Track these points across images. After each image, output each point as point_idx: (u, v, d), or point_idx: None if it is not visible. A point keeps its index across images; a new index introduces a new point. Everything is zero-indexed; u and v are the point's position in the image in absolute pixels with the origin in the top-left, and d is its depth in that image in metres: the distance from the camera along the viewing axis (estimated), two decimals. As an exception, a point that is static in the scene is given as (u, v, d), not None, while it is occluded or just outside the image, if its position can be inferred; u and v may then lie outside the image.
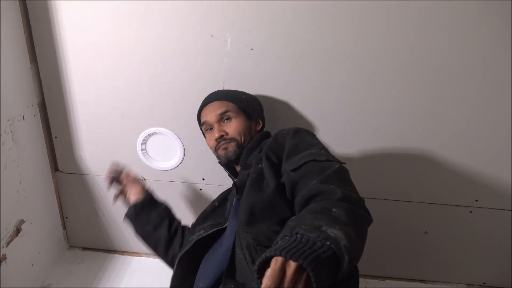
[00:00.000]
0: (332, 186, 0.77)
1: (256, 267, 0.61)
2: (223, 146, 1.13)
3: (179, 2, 1.20)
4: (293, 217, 0.71)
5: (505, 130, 1.29)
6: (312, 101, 1.31)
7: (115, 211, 1.62)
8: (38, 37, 1.32)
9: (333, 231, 0.62)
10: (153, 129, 1.42)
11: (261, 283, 0.59)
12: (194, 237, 1.03)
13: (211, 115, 1.16)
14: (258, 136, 1.16)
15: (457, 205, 1.45)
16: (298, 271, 0.58)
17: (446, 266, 1.59)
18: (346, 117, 1.32)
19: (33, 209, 1.43)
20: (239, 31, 1.23)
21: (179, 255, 1.02)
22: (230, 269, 0.82)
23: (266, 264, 0.61)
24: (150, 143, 1.46)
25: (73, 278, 1.57)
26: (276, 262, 0.58)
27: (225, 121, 1.15)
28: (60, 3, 1.25)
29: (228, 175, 1.21)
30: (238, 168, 1.18)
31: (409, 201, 1.46)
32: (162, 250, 1.18)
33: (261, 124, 1.24)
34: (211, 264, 0.95)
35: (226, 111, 1.15)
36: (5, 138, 1.26)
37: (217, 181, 1.48)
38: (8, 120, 1.27)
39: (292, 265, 0.57)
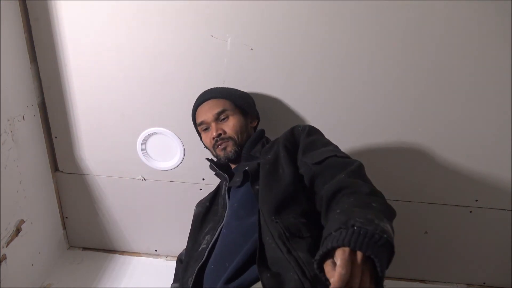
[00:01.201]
0: (359, 181, 0.82)
1: (318, 257, 0.64)
2: (222, 146, 1.13)
3: (179, 2, 1.20)
4: (337, 210, 0.74)
5: (505, 130, 1.29)
6: (312, 101, 1.31)
7: (115, 211, 1.62)
8: (38, 37, 1.32)
9: (384, 225, 0.68)
10: (153, 129, 1.42)
11: (320, 272, 0.63)
12: (204, 246, 1.00)
13: (208, 114, 1.16)
14: (259, 131, 1.18)
15: (457, 205, 1.45)
16: (365, 260, 0.62)
17: (446, 266, 1.59)
18: (346, 117, 1.32)
19: (33, 209, 1.43)
20: (239, 31, 1.23)
21: (196, 268, 0.97)
22: (261, 259, 0.81)
23: (327, 256, 0.64)
24: (150, 143, 1.46)
25: (73, 278, 1.57)
26: (344, 252, 0.62)
27: (223, 119, 1.15)
28: (60, 3, 1.25)
29: (216, 173, 1.18)
30: (233, 166, 1.18)
31: (409, 201, 1.46)
32: None
33: (257, 121, 1.25)
34: (221, 257, 0.93)
35: (223, 110, 1.15)
36: (5, 138, 1.26)
37: (217, 181, 1.48)
38: (8, 120, 1.27)
39: (359, 255, 0.62)
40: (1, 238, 1.29)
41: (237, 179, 1.04)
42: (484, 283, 1.61)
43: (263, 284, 0.76)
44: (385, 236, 0.65)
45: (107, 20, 1.26)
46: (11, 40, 1.24)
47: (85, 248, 1.73)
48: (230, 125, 1.14)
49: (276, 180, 0.93)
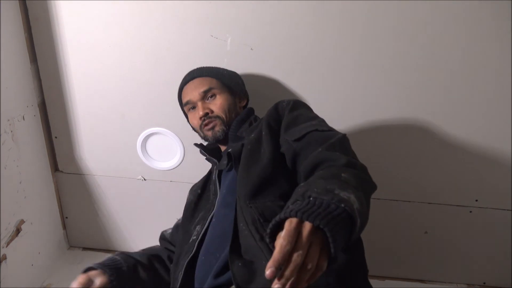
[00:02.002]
0: (337, 153, 0.76)
1: (268, 231, 0.59)
2: (210, 126, 1.08)
3: (179, 2, 1.20)
4: (301, 184, 0.69)
5: (505, 130, 1.29)
6: (313, 101, 1.31)
7: (115, 211, 1.62)
8: (38, 37, 1.32)
9: (345, 194, 0.61)
10: (153, 129, 1.42)
11: (273, 247, 0.56)
12: (194, 237, 0.96)
13: (194, 93, 1.11)
14: (247, 109, 1.14)
15: (457, 205, 1.45)
16: (314, 232, 0.56)
17: (446, 266, 1.59)
18: (346, 117, 1.32)
19: (33, 209, 1.43)
20: (239, 31, 1.23)
21: (185, 262, 0.92)
22: (234, 246, 0.77)
23: (278, 228, 0.59)
24: (150, 143, 1.46)
25: (73, 278, 1.55)
26: (290, 223, 0.56)
27: (209, 98, 1.10)
28: (60, 3, 1.25)
29: (206, 158, 1.13)
30: (223, 148, 1.13)
31: (409, 201, 1.46)
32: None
33: (246, 100, 1.21)
34: (211, 248, 0.88)
35: (210, 88, 1.11)
36: (5, 138, 1.26)
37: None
38: (8, 120, 1.27)
39: (307, 226, 0.56)
40: (1, 238, 1.29)
41: (224, 161, 0.99)
42: (484, 283, 1.61)
43: (233, 274, 0.72)
44: (342, 205, 0.58)
45: (107, 20, 1.26)
46: (11, 40, 1.24)
47: (85, 248, 1.72)
48: (218, 104, 1.09)
49: (255, 161, 0.87)
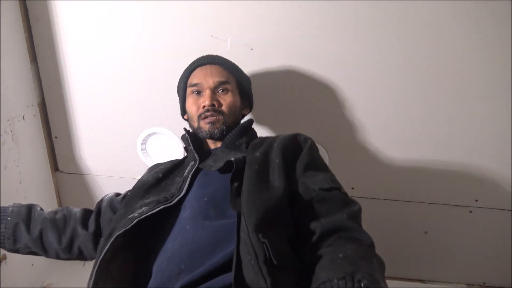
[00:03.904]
0: (359, 228, 0.77)
1: None
2: (211, 119, 0.99)
3: (179, 2, 1.20)
4: (340, 254, 0.69)
5: (505, 130, 1.29)
6: (313, 101, 1.31)
7: (115, 211, 1.62)
8: (38, 37, 1.32)
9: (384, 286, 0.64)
10: (153, 129, 1.42)
11: None
12: (136, 214, 0.83)
13: (207, 78, 1.02)
14: (249, 120, 1.08)
15: (457, 205, 1.45)
16: None
17: (446, 266, 1.59)
18: (346, 117, 1.32)
19: (33, 209, 1.43)
20: (239, 31, 1.23)
21: (116, 234, 0.79)
22: (238, 280, 0.69)
23: None
24: (150, 143, 1.46)
25: (73, 278, 1.57)
26: None
27: (221, 92, 1.03)
28: (60, 3, 1.25)
29: (185, 147, 1.04)
30: (211, 143, 1.05)
31: (409, 201, 1.46)
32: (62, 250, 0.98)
33: (249, 110, 1.16)
34: (177, 256, 0.78)
35: (227, 82, 1.03)
36: (5, 138, 1.26)
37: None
38: (8, 120, 1.27)
39: None
40: (1, 238, 1.29)
41: (212, 163, 0.91)
42: (484, 283, 1.61)
43: None
44: None
45: (107, 20, 1.26)
46: (11, 40, 1.24)
47: (85, 248, 1.73)
48: (228, 101, 1.02)
49: (265, 188, 0.81)
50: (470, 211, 1.45)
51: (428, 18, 1.15)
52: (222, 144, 1.01)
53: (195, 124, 1.03)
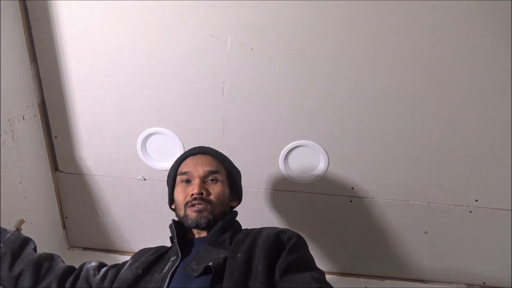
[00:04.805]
0: None
1: None
2: (198, 208, 0.98)
3: (179, 2, 1.20)
4: None
5: (505, 130, 1.29)
6: (313, 101, 1.31)
7: (115, 211, 1.62)
8: (38, 37, 1.32)
9: None
10: (153, 129, 1.42)
11: None
12: None
13: (198, 167, 1.04)
14: (234, 213, 1.07)
15: (457, 205, 1.45)
16: None
17: (446, 266, 1.59)
18: (346, 116, 1.32)
19: (33, 209, 1.43)
20: (239, 31, 1.23)
21: None
22: None
23: None
24: (150, 143, 1.46)
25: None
26: None
27: (210, 181, 1.03)
28: (60, 3, 1.25)
29: (171, 237, 1.03)
30: (196, 232, 1.03)
31: (409, 201, 1.46)
32: None
33: (237, 203, 1.15)
34: None
35: (217, 171, 1.04)
36: (5, 138, 1.26)
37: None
38: (8, 120, 1.27)
39: None
40: (1, 238, 1.29)
41: (195, 266, 0.89)
42: (484, 283, 1.61)
43: None
44: None
45: (107, 20, 1.26)
46: (11, 40, 1.24)
47: (85, 248, 1.73)
48: (216, 190, 1.02)
49: None
50: (470, 211, 1.45)
51: (428, 18, 1.15)
52: (206, 241, 0.98)
53: (182, 213, 1.02)
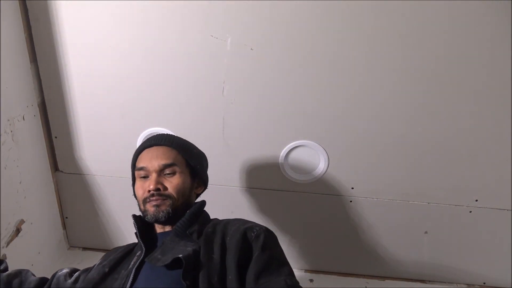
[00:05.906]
0: None
1: None
2: (155, 203, 0.96)
3: (179, 2, 1.20)
4: None
5: (505, 130, 1.29)
6: (312, 101, 1.31)
7: (115, 211, 1.62)
8: (38, 37, 1.32)
9: None
10: (153, 129, 1.42)
11: None
12: None
13: (153, 162, 0.99)
14: (200, 203, 1.05)
15: (457, 205, 1.45)
16: None
17: (446, 266, 1.59)
18: (346, 116, 1.32)
19: (33, 209, 1.43)
20: (239, 31, 1.23)
21: None
22: None
23: None
24: (150, 143, 1.46)
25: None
26: None
27: (167, 174, 0.99)
28: (60, 3, 1.25)
29: (136, 233, 1.00)
30: (159, 227, 1.02)
31: (409, 201, 1.46)
32: None
33: (203, 188, 1.12)
34: None
35: (172, 164, 1.00)
36: (5, 138, 1.26)
37: (216, 181, 1.48)
38: (8, 120, 1.27)
39: None
40: (1, 238, 1.29)
41: (159, 256, 0.88)
42: (484, 283, 1.61)
43: None
44: None
45: (107, 20, 1.26)
46: (11, 40, 1.24)
47: (85, 248, 1.73)
48: (174, 183, 0.98)
49: None
50: (470, 211, 1.45)
51: (428, 18, 1.15)
52: (172, 232, 0.96)
53: (141, 207, 1.00)
